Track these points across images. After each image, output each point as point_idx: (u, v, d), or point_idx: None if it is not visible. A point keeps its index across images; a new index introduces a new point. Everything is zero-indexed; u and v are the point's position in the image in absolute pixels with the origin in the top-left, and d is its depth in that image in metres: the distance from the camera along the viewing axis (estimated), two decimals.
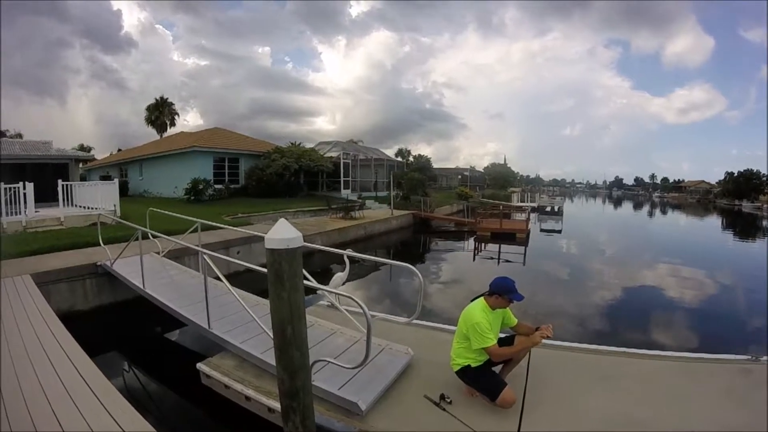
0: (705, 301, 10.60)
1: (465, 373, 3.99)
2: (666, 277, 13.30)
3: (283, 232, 2.50)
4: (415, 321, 5.16)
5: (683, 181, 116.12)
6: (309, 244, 3.59)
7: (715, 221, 40.75)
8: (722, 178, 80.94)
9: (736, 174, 73.38)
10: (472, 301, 4.08)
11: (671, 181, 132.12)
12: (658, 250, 19.45)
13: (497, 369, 4.08)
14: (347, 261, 5.86)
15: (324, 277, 6.67)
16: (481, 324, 3.78)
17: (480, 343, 3.77)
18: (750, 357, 4.54)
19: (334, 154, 30.71)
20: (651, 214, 49.91)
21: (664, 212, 52.67)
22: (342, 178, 29.63)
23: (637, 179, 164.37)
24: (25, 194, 12.11)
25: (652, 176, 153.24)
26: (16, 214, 11.95)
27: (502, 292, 3.89)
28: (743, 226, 35.35)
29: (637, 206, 65.48)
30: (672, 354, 4.91)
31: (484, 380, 3.92)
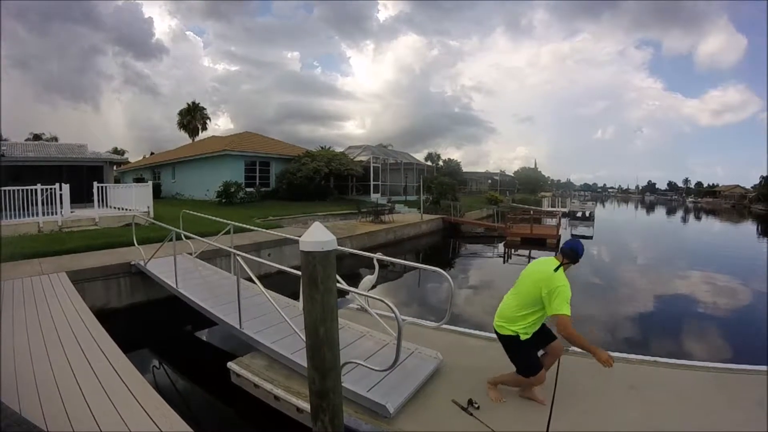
0: (739, 310, 10.28)
1: (510, 341, 3.86)
2: (699, 285, 12.94)
3: (318, 235, 2.54)
4: (444, 326, 5.15)
5: (717, 185, 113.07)
6: (341, 248, 3.63)
7: (750, 227, 39.52)
8: (757, 182, 78.58)
9: None
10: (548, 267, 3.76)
11: (705, 185, 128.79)
12: (691, 258, 18.98)
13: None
14: (377, 265, 5.89)
15: (354, 280, 6.72)
16: (568, 288, 3.58)
17: (563, 308, 3.50)
18: None
19: (363, 158, 30.82)
20: (684, 219, 48.65)
21: (698, 218, 51.19)
22: (372, 182, 29.72)
23: (670, 183, 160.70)
24: (61, 195, 12.49)
25: (686, 180, 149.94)
26: (52, 214, 12.34)
27: (577, 258, 3.82)
28: None
29: (670, 211, 63.81)
30: (703, 364, 4.78)
31: (526, 355, 3.83)
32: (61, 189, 12.46)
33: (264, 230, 10.26)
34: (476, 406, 3.78)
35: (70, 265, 8.23)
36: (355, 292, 4.54)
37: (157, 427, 3.07)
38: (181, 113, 52.35)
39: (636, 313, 9.59)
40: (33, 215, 11.87)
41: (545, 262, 3.86)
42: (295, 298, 6.21)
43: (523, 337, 3.78)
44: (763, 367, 4.51)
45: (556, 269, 3.70)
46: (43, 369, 3.95)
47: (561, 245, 4.04)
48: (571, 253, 3.78)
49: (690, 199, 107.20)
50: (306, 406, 3.62)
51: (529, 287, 3.77)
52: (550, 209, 37.28)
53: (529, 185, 65.70)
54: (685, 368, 4.65)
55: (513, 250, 18.64)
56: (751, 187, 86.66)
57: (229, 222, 8.73)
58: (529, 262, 15.60)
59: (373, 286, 6.64)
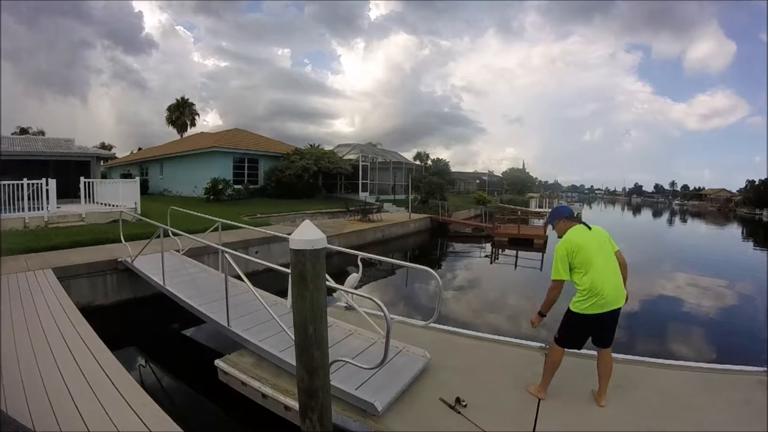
0: (723, 312, 10.40)
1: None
2: (684, 286, 13.07)
3: (308, 233, 2.53)
4: (432, 324, 5.17)
5: (703, 188, 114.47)
6: (330, 246, 3.64)
7: (735, 230, 40.01)
8: (743, 186, 79.46)
9: (757, 182, 71.78)
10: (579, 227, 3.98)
11: (691, 188, 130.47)
12: (677, 259, 19.19)
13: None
14: (360, 264, 5.89)
15: (341, 278, 6.71)
16: None
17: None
18: (766, 369, 4.48)
19: (352, 157, 30.81)
20: (670, 222, 49.19)
21: (683, 220, 51.85)
22: (360, 181, 29.71)
23: (656, 186, 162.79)
24: (47, 190, 12.29)
25: (672, 183, 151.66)
26: (38, 209, 12.16)
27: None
28: (764, 236, 34.56)
29: (657, 214, 64.54)
30: (688, 364, 4.85)
31: None
32: (47, 184, 12.25)
33: (252, 228, 10.22)
34: (464, 404, 3.80)
35: (56, 261, 8.13)
36: (343, 290, 4.54)
37: (144, 425, 3.05)
38: (169, 109, 52.01)
39: (622, 314, 9.62)
40: (19, 210, 11.70)
41: (584, 227, 3.95)
42: (283, 296, 6.19)
43: None
44: (748, 368, 4.59)
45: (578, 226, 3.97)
46: (28, 367, 3.90)
47: (560, 212, 4.21)
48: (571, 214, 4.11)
49: (676, 202, 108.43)
50: (294, 404, 3.61)
51: (610, 249, 3.90)
52: (537, 210, 37.54)
53: (517, 186, 65.97)
54: (671, 368, 4.71)
55: (500, 250, 18.73)
56: (737, 191, 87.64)
57: (217, 219, 8.69)
58: (516, 261, 15.84)
59: (360, 285, 6.64)
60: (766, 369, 4.46)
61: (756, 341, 8.23)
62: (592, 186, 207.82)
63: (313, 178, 26.50)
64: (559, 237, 3.99)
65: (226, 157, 25.80)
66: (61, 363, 4.03)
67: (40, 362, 4.03)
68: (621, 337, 8.02)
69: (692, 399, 4.02)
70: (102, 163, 25.64)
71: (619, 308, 3.85)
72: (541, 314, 3.99)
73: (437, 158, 56.82)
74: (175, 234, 7.86)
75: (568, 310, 3.83)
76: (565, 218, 4.06)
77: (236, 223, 9.67)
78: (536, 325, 4.07)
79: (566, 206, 4.21)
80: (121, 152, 54.42)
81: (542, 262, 16.12)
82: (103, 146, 54.71)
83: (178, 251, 8.97)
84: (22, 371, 3.80)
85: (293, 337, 2.73)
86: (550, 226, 4.23)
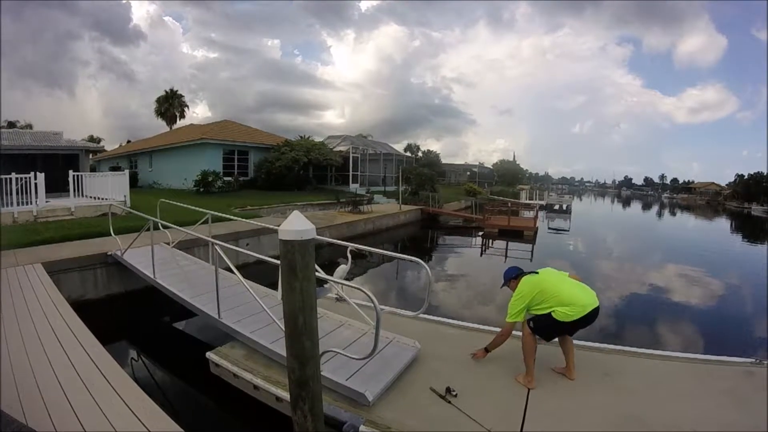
0: (711, 304, 10.56)
1: None
2: (672, 278, 13.22)
3: (296, 224, 2.53)
4: (422, 315, 5.19)
5: (693, 182, 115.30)
6: (320, 237, 3.64)
7: (723, 224, 40.40)
8: (732, 179, 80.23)
9: (746, 176, 72.44)
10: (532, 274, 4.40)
11: (681, 181, 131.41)
12: (666, 252, 19.38)
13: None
14: (350, 256, 5.90)
15: (331, 270, 6.73)
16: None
17: None
18: (753, 360, 4.55)
19: (343, 148, 30.75)
20: (660, 214, 49.58)
21: (673, 213, 52.28)
22: (351, 172, 29.69)
23: (646, 179, 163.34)
24: (36, 184, 12.14)
25: (662, 176, 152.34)
26: (27, 204, 12.01)
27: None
28: (752, 229, 34.91)
29: (646, 206, 65.07)
30: (675, 354, 4.91)
31: None
32: (35, 178, 12.10)
33: (242, 220, 10.18)
34: (454, 393, 3.83)
35: (45, 256, 8.05)
36: (333, 281, 4.55)
37: (137, 417, 3.06)
38: (158, 100, 51.42)
39: (610, 304, 9.70)
40: (7, 205, 11.56)
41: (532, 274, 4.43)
42: (274, 287, 6.18)
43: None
44: (736, 359, 4.65)
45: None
46: (20, 362, 3.88)
47: (508, 273, 4.60)
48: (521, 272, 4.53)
49: (665, 195, 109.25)
50: (285, 395, 3.63)
51: (562, 274, 4.48)
52: (527, 202, 37.66)
53: (507, 177, 65.82)
54: (657, 358, 4.77)
55: (490, 242, 18.84)
56: (726, 185, 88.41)
57: (206, 211, 8.64)
58: (506, 253, 15.91)
59: (350, 277, 6.65)
60: (754, 360, 4.53)
61: (744, 332, 8.36)
62: (582, 178, 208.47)
63: (303, 169, 26.41)
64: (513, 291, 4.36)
65: (215, 149, 25.65)
66: (53, 358, 4.01)
67: (31, 357, 4.01)
68: (610, 327, 8.16)
69: (680, 388, 4.08)
70: (91, 156, 25.37)
71: (596, 308, 4.08)
72: (487, 350, 4.39)
73: (428, 150, 56.77)
74: (165, 227, 7.83)
75: (551, 316, 4.01)
76: (513, 278, 4.46)
77: (226, 215, 9.65)
78: (480, 359, 4.46)
79: (513, 267, 4.61)
80: (109, 145, 53.92)
81: (532, 254, 16.24)
82: (91, 139, 53.90)
83: (168, 244, 8.91)
84: (13, 366, 3.78)
85: (284, 328, 2.74)
86: (506, 285, 4.60)
